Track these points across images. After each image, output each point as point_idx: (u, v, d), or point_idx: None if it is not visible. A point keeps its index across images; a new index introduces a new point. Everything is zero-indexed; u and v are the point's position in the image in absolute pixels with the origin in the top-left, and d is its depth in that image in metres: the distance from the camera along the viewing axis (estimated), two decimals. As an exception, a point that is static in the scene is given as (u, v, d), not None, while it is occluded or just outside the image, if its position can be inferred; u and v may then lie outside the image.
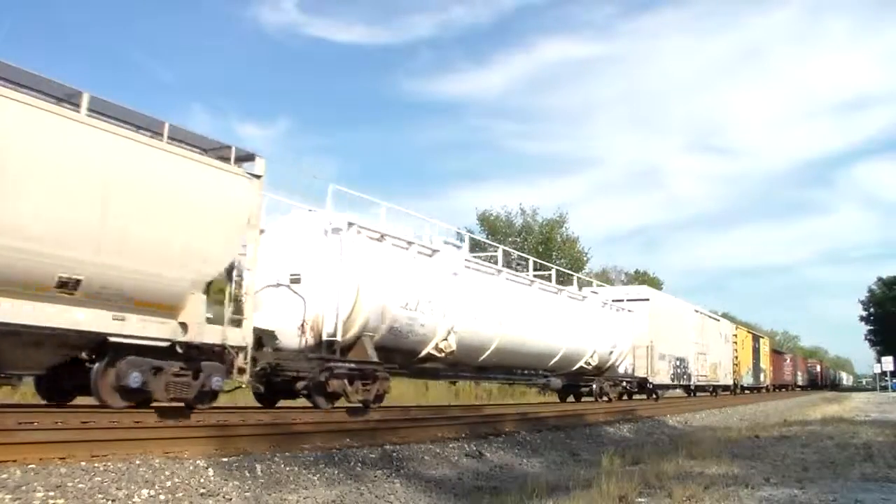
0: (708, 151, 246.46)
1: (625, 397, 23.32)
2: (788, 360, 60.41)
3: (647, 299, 23.76)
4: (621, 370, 21.23)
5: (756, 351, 43.18)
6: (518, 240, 37.77)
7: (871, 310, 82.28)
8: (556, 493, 5.86)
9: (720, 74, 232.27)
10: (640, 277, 47.78)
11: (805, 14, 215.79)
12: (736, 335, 37.49)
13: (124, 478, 5.22)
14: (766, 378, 46.29)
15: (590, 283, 22.21)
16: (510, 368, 15.87)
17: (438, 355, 12.26)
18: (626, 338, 20.58)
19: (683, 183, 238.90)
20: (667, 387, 25.60)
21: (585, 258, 40.28)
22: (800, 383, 64.81)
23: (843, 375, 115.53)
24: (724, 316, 45.15)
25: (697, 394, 31.28)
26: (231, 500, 5.47)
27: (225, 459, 6.23)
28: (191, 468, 5.76)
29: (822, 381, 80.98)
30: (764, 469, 7.09)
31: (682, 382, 27.07)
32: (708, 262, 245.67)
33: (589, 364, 18.27)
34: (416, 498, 6.54)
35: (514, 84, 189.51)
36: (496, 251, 17.64)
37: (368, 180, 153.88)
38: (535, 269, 19.02)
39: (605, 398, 19.63)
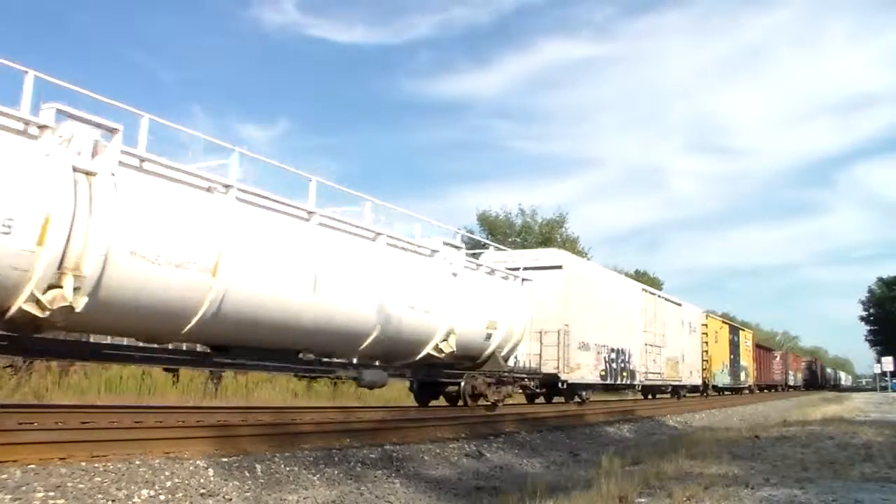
0: (708, 151, 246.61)
1: (541, 400, 18.41)
2: (778, 358, 54.20)
3: (560, 266, 17.21)
4: (514, 362, 14.95)
5: (734, 345, 36.64)
6: (518, 240, 37.85)
7: (871, 310, 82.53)
8: (556, 494, 5.86)
9: (720, 75, 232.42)
10: (641, 277, 46.58)
11: (805, 15, 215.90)
12: (706, 325, 31.10)
13: (124, 478, 5.22)
14: (747, 377, 39.60)
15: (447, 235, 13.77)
16: (278, 350, 9.64)
17: (41, 315, 6.62)
18: (520, 317, 14.36)
19: (683, 183, 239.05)
20: (593, 387, 19.09)
21: (586, 258, 40.35)
22: (792, 383, 58.91)
23: (843, 375, 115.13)
24: (724, 316, 43.65)
25: (656, 396, 26.89)
26: (231, 500, 5.48)
27: (225, 459, 6.23)
28: (191, 468, 5.76)
29: (821, 382, 79.84)
30: (764, 469, 7.09)
31: (621, 381, 20.63)
32: (708, 262, 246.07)
33: (440, 351, 11.85)
34: (416, 498, 6.54)
35: (514, 84, 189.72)
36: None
37: (368, 180, 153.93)
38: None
39: (481, 402, 13.45)
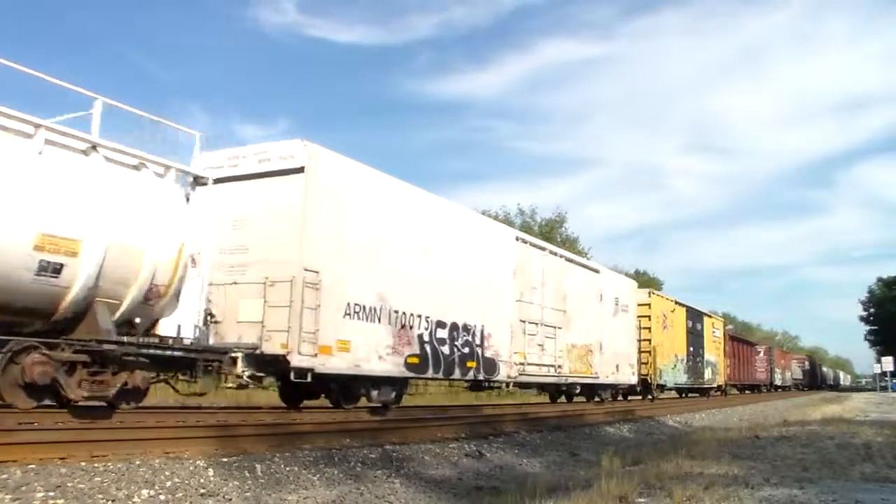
0: (708, 151, 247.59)
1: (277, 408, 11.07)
2: (762, 353, 45.75)
3: (299, 170, 9.80)
4: (183, 330, 8.34)
5: (695, 334, 28.23)
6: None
7: (871, 310, 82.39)
8: (556, 493, 5.86)
9: (720, 74, 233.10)
10: (640, 278, 45.96)
11: (805, 14, 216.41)
12: (649, 305, 23.10)
13: (124, 478, 5.22)
14: (715, 375, 31.46)
15: None
16: None
17: None
18: (168, 242, 7.98)
19: (683, 183, 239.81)
20: (394, 381, 11.30)
21: (586, 258, 40.32)
22: (780, 383, 51.08)
23: (841, 375, 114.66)
24: (724, 317, 41.88)
25: (573, 399, 19.31)
26: (231, 500, 5.48)
27: (225, 459, 6.23)
28: (191, 468, 5.77)
29: (819, 382, 78.50)
30: (764, 469, 7.09)
31: (461, 374, 12.80)
32: (707, 262, 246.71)
33: None
34: (416, 498, 6.54)
35: (514, 84, 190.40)
36: None
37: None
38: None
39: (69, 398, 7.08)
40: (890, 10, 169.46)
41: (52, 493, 4.69)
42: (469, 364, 12.97)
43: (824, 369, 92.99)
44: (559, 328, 16.39)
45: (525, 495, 5.83)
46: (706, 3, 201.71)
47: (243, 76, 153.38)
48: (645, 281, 39.88)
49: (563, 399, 19.48)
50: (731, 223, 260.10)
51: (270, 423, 8.65)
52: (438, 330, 12.21)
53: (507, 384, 15.22)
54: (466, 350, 12.96)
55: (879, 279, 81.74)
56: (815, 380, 75.43)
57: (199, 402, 10.36)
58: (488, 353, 13.60)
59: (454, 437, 9.75)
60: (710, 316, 32.16)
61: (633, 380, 21.39)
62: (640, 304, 22.49)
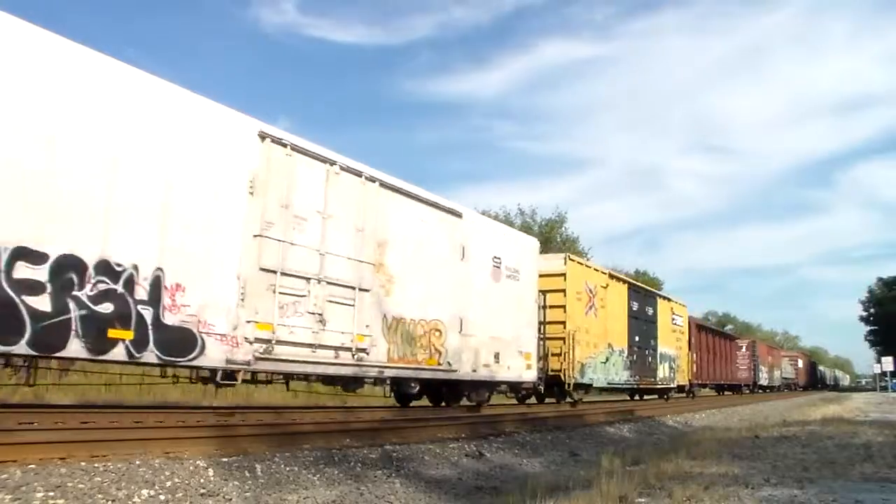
0: (707, 151, 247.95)
1: None
2: (744, 349, 39.45)
3: None
4: None
5: (643, 321, 21.88)
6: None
7: (872, 310, 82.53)
8: (556, 494, 5.86)
9: (720, 75, 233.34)
10: (641, 278, 45.81)
11: (805, 14, 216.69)
12: (565, 275, 16.77)
13: (124, 478, 5.22)
14: (675, 373, 24.78)
15: None
16: None
17: None
18: None
19: (683, 183, 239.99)
20: None
21: (586, 258, 40.30)
22: (765, 383, 44.75)
23: (840, 375, 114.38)
24: (724, 317, 40.84)
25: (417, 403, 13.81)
26: (231, 500, 5.48)
27: (225, 459, 6.23)
28: (191, 468, 5.77)
29: (816, 382, 77.86)
30: (764, 469, 7.09)
31: (87, 351, 6.78)
32: (708, 262, 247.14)
33: None
34: (416, 498, 6.54)
35: (514, 84, 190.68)
36: None
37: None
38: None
39: None
40: (890, 11, 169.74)
41: (52, 493, 4.69)
42: (115, 333, 7.20)
43: (822, 369, 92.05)
44: (366, 290, 10.50)
45: (525, 495, 5.83)
46: (706, 3, 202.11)
47: (243, 76, 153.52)
48: (644, 281, 38.87)
49: (424, 402, 13.85)
50: (731, 223, 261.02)
51: (270, 423, 8.65)
52: (20, 265, 6.42)
53: (231, 373, 8.53)
54: (107, 308, 7.12)
55: (879, 279, 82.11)
56: (813, 379, 74.79)
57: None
58: (173, 319, 7.77)
59: (454, 437, 9.76)
60: (667, 299, 24.85)
61: (530, 375, 14.90)
62: (548, 275, 16.15)
